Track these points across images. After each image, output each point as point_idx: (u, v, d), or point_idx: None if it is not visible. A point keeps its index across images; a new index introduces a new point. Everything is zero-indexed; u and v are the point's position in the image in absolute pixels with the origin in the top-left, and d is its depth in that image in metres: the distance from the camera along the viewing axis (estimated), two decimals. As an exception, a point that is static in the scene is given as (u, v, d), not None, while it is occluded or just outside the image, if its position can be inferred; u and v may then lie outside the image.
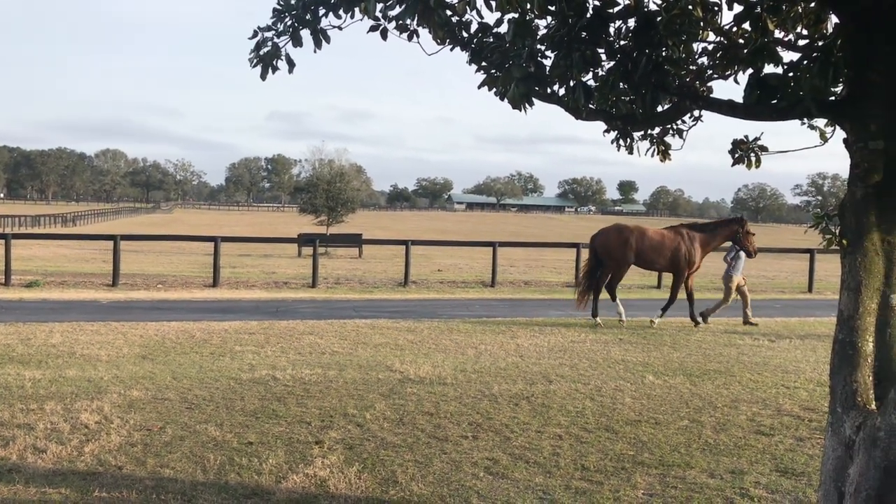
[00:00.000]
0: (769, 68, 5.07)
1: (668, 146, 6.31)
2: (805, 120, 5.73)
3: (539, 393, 8.14)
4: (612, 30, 5.21)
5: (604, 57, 5.22)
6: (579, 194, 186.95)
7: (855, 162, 4.33)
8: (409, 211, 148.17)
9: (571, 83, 5.22)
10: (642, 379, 8.97)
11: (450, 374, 8.92)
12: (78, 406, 7.12)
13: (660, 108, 5.31)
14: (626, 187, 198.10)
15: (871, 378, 4.29)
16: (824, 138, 5.86)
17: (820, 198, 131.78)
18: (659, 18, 5.22)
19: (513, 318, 14.28)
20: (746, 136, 5.99)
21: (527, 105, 5.04)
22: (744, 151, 6.00)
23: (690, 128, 6.20)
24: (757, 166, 5.97)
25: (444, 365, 9.50)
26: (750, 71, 5.12)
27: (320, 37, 5.70)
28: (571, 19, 5.06)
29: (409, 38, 5.85)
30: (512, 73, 4.90)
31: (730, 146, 6.02)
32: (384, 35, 5.92)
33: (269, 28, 5.74)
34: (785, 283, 25.29)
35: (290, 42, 5.68)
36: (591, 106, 5.34)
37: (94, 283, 18.76)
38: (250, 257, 30.19)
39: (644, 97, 5.12)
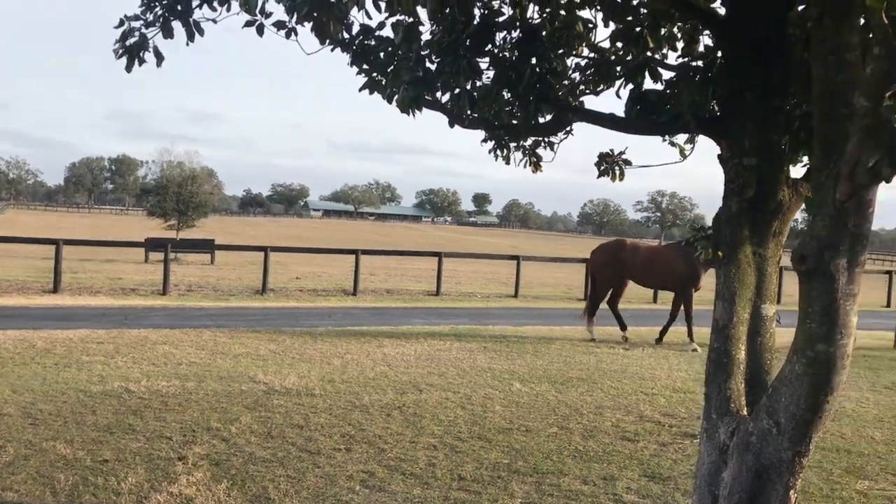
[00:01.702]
0: (648, 84, 5.25)
1: (539, 158, 6.39)
2: (667, 137, 5.97)
3: (410, 402, 8.04)
4: (497, 39, 5.22)
5: (487, 66, 5.22)
6: (436, 205, 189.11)
7: (730, 177, 4.50)
8: (264, 217, 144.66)
9: (456, 90, 5.19)
10: (510, 386, 9.06)
11: (317, 385, 8.67)
12: None
13: (542, 120, 5.36)
14: (481, 199, 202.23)
15: (743, 385, 4.47)
16: (683, 155, 6.11)
17: (659, 214, 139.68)
18: (544, 32, 5.29)
19: (377, 327, 14.13)
20: (612, 150, 6.15)
21: (416, 110, 4.95)
22: (609, 164, 6.16)
23: (562, 141, 6.30)
24: (621, 179, 6.15)
25: (310, 375, 9.23)
26: (630, 86, 5.28)
27: (193, 29, 5.39)
28: (458, 26, 5.03)
29: (287, 36, 5.62)
30: (401, 76, 4.79)
31: (595, 159, 6.19)
32: (260, 31, 5.67)
33: (136, 17, 5.37)
34: (631, 294, 26.46)
35: (161, 33, 5.34)
36: (474, 114, 5.32)
37: (-87, 288, 17.02)
38: (92, 262, 28.38)
39: (528, 108, 5.16)
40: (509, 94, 5.24)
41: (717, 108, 4.74)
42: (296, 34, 5.61)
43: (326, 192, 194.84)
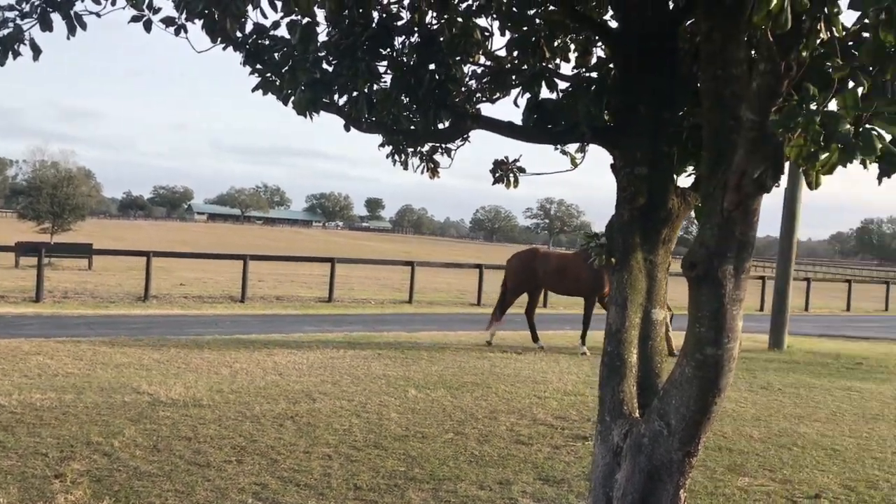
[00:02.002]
0: (545, 93, 5.32)
1: (437, 164, 6.39)
2: (559, 146, 6.09)
3: (304, 412, 7.87)
4: (396, 43, 5.18)
5: (385, 70, 5.18)
6: (327, 209, 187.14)
7: (623, 186, 4.62)
8: (145, 220, 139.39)
9: (354, 94, 5.13)
10: (405, 393, 9.02)
11: (205, 395, 8.37)
12: None
13: (441, 126, 5.34)
14: (374, 204, 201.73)
15: (635, 388, 4.58)
16: (575, 164, 6.24)
17: (548, 220, 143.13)
18: (442, 38, 5.28)
19: (267, 335, 13.80)
20: (507, 157, 6.22)
21: (313, 112, 4.85)
22: (504, 172, 6.23)
23: (459, 147, 6.32)
24: (515, 186, 6.22)
25: (197, 385, 8.90)
26: (528, 95, 5.34)
27: (75, 22, 5.12)
28: (357, 28, 4.97)
29: (177, 34, 5.43)
30: (298, 78, 4.68)
31: (490, 166, 6.25)
32: (147, 27, 5.45)
33: (11, 7, 5.05)
34: (523, 299, 26.90)
35: (39, 25, 5.04)
36: (372, 119, 5.27)
37: None
38: (-43, 267, 26.58)
39: (427, 114, 5.14)
40: (408, 100, 5.20)
41: (610, 119, 4.85)
42: (185, 31, 5.42)
43: (211, 196, 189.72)
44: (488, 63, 5.85)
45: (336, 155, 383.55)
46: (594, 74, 5.07)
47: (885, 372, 12.67)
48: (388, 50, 5.11)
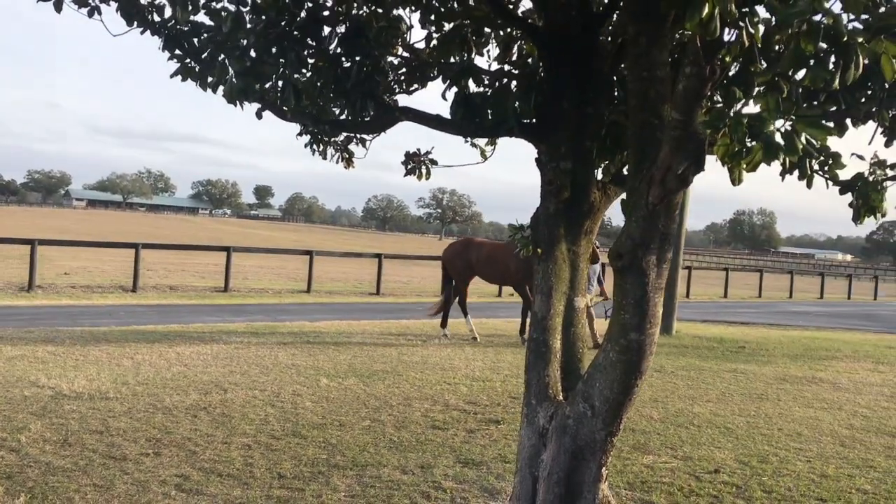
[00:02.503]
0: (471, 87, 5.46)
1: (351, 154, 6.44)
2: (469, 139, 6.27)
3: (216, 402, 7.77)
4: (324, 34, 5.20)
5: (312, 60, 5.20)
6: (214, 196, 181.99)
7: (549, 179, 4.82)
8: (19, 206, 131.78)
9: (280, 83, 5.13)
10: (317, 382, 9.03)
11: (111, 388, 8.13)
12: None
13: (366, 116, 5.39)
14: (263, 192, 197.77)
15: (559, 372, 4.81)
16: (484, 156, 6.44)
17: (440, 210, 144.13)
18: (369, 30, 5.33)
19: (166, 326, 13.43)
20: (419, 149, 6.35)
21: (243, 101, 4.82)
22: (416, 163, 6.36)
23: (373, 138, 6.39)
24: (427, 178, 6.35)
25: (100, 378, 8.63)
26: (454, 89, 5.46)
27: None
28: (285, 17, 4.97)
29: (90, 15, 5.30)
30: (230, 66, 4.64)
31: (402, 158, 6.36)
32: (58, 7, 5.29)
33: None
34: (420, 287, 27.17)
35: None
36: (297, 108, 5.27)
37: None
38: None
39: (354, 105, 5.19)
40: (334, 90, 5.22)
41: (536, 115, 5.02)
42: (99, 13, 5.29)
43: (91, 181, 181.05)
44: (405, 55, 5.94)
45: (219, 140, 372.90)
46: (521, 70, 5.22)
47: (765, 354, 13.55)
48: (316, 40, 5.13)
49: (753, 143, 3.32)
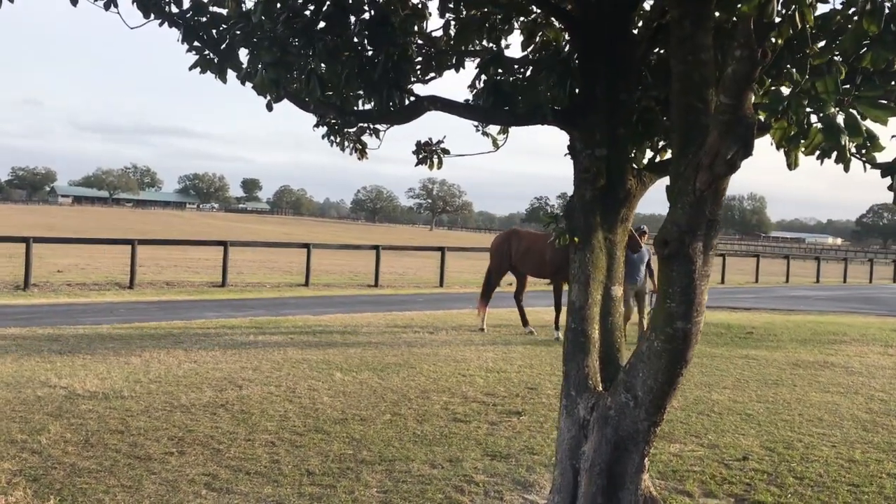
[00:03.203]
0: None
1: (365, 145, 6.35)
2: (479, 127, 6.19)
3: (233, 399, 7.68)
4: (350, 23, 5.09)
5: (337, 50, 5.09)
6: (201, 190, 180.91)
7: (585, 167, 4.74)
8: (3, 204, 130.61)
9: (303, 74, 5.02)
10: (331, 377, 8.94)
11: (124, 386, 8.02)
12: None
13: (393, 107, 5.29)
14: (251, 185, 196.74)
15: (598, 363, 4.74)
16: (496, 145, 6.36)
17: (430, 200, 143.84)
18: (394, 18, 5.23)
19: (170, 322, 13.30)
20: (430, 139, 6.27)
21: (275, 93, 4.72)
22: (427, 153, 6.28)
23: (387, 129, 6.30)
24: (439, 167, 6.27)
25: (111, 376, 8.52)
26: (484, 77, 5.37)
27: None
28: (313, 6, 4.87)
29: (107, 7, 5.18)
30: (262, 57, 4.54)
31: (413, 147, 6.28)
32: (74, 1, 5.20)
33: None
34: (416, 278, 27.09)
35: None
36: (322, 99, 5.17)
37: None
38: None
39: (381, 94, 5.09)
40: (361, 80, 5.12)
41: (569, 102, 4.94)
42: (116, 6, 5.17)
43: (77, 177, 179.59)
44: (420, 43, 5.84)
45: (202, 133, 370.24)
46: (557, 57, 5.12)
47: (774, 340, 13.56)
48: (342, 29, 5.03)
49: (812, 126, 3.26)
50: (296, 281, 23.65)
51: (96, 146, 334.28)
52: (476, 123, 6.07)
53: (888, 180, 4.09)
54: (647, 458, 4.52)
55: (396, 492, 5.33)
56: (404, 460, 6.01)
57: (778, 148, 3.46)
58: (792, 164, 3.51)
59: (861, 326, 16.18)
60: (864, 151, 4.01)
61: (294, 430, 6.71)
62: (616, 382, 4.51)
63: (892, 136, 4.22)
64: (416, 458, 6.06)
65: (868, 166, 4.10)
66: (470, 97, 5.99)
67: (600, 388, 4.66)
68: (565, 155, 6.38)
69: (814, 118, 3.14)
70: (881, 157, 3.95)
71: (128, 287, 19.56)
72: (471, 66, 5.77)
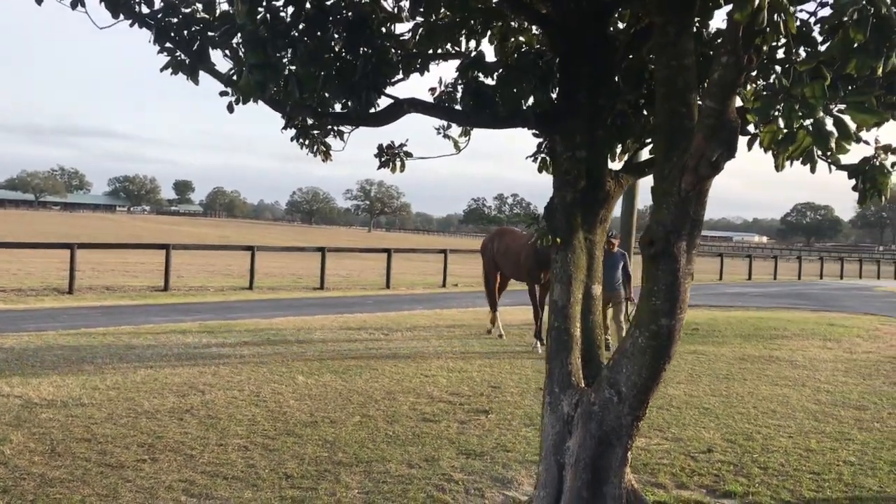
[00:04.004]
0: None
1: (329, 147, 6.37)
2: (441, 129, 6.27)
3: (198, 404, 7.56)
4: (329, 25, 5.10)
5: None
6: (132, 193, 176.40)
7: (565, 169, 4.84)
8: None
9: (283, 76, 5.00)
10: (294, 380, 8.88)
11: (83, 394, 7.81)
12: None
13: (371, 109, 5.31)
14: (183, 187, 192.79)
15: (580, 360, 4.85)
16: (458, 148, 6.44)
17: (368, 202, 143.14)
18: (373, 16, 5.25)
19: (117, 327, 12.97)
20: (393, 142, 6.32)
21: (259, 97, 4.69)
22: (390, 156, 6.33)
23: (351, 131, 6.32)
24: (402, 170, 6.33)
25: (67, 384, 8.29)
26: (461, 81, 5.43)
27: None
28: (294, 7, 4.86)
29: (74, 7, 5.09)
30: (247, 59, 4.50)
31: (375, 150, 6.32)
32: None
33: None
34: (361, 280, 26.99)
35: None
36: (300, 101, 5.16)
37: None
38: None
39: (360, 97, 5.12)
40: (339, 83, 5.13)
41: (549, 105, 5.03)
42: (83, 5, 5.08)
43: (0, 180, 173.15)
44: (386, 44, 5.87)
45: (129, 134, 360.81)
46: (537, 60, 5.20)
47: (719, 335, 13.97)
48: (322, 31, 5.03)
49: (799, 129, 3.41)
50: (239, 284, 23.29)
51: (19, 148, 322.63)
52: (438, 126, 6.15)
53: (810, 181, 4.30)
54: (629, 452, 4.64)
55: (378, 492, 5.35)
56: (381, 461, 6.03)
57: (766, 151, 3.61)
58: (779, 167, 3.67)
59: (800, 321, 16.80)
60: (828, 154, 4.21)
61: (265, 433, 6.66)
62: (600, 379, 4.63)
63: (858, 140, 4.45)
64: (392, 459, 6.08)
65: (833, 168, 4.30)
66: (431, 100, 6.08)
67: (583, 385, 4.77)
68: (527, 158, 6.50)
69: (805, 122, 3.28)
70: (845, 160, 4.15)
71: (67, 292, 18.99)
72: (434, 70, 5.83)
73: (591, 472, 4.59)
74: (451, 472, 5.81)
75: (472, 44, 5.75)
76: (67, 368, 9.18)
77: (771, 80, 4.39)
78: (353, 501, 5.18)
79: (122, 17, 5.10)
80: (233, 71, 4.70)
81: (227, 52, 4.94)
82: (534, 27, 5.49)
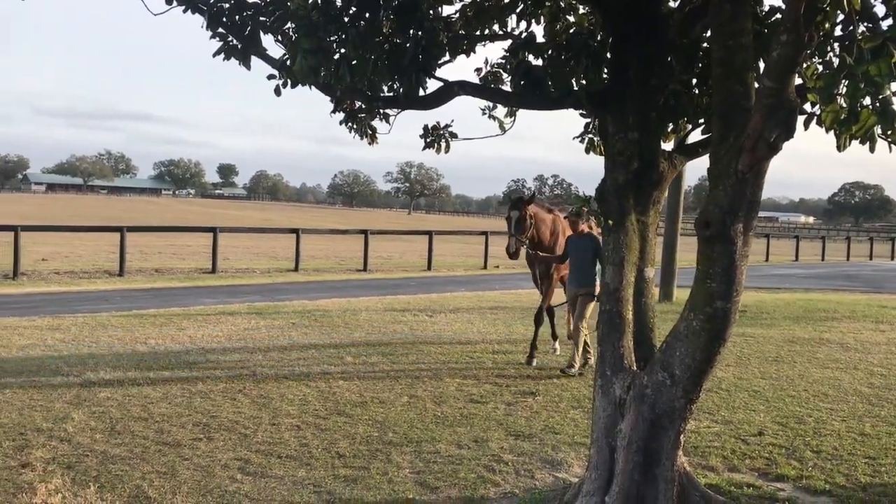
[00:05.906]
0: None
1: (374, 129, 6.40)
2: (486, 110, 6.24)
3: (250, 385, 7.70)
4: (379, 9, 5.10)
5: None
6: (177, 177, 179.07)
7: (618, 150, 4.80)
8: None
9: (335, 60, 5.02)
10: (342, 360, 8.99)
11: (137, 374, 8.01)
12: None
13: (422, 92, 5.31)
14: (227, 171, 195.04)
15: (632, 343, 4.83)
16: (503, 128, 6.40)
17: (408, 184, 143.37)
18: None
19: (167, 309, 13.24)
20: (438, 123, 6.32)
21: (313, 82, 4.74)
22: (435, 137, 6.33)
23: (397, 115, 6.32)
24: (447, 151, 6.33)
25: (122, 364, 8.50)
26: (513, 62, 5.40)
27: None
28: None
29: (129, -8, 5.13)
30: (300, 43, 4.54)
31: (420, 131, 6.32)
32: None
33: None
34: (403, 262, 27.11)
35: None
36: (351, 84, 5.18)
37: None
38: None
39: (411, 80, 5.11)
40: (390, 66, 5.13)
41: (603, 86, 4.99)
42: (138, -9, 5.14)
43: (50, 165, 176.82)
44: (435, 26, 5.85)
45: (170, 118, 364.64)
46: (589, 42, 5.16)
47: (767, 318, 13.77)
48: (372, 15, 5.04)
49: (863, 108, 3.35)
50: (284, 266, 23.56)
51: (61, 132, 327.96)
52: (484, 107, 6.13)
53: (858, 160, 4.19)
54: (682, 436, 4.63)
55: (429, 472, 5.41)
56: (430, 441, 6.09)
57: (828, 131, 3.54)
58: (841, 147, 3.60)
59: (850, 304, 16.48)
60: (888, 133, 4.11)
61: (316, 413, 6.77)
62: (652, 361, 4.61)
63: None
64: (441, 440, 6.14)
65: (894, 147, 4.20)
66: (477, 80, 6.06)
67: (635, 368, 4.76)
68: (574, 138, 6.45)
69: (867, 101, 3.21)
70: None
71: (118, 275, 19.40)
72: (480, 51, 5.81)
73: (644, 455, 4.58)
74: (500, 454, 5.84)
75: (522, 25, 5.74)
76: (121, 349, 9.40)
77: (828, 58, 4.30)
78: (405, 481, 5.24)
79: (175, 3, 5.19)
80: (286, 56, 4.73)
81: (278, 37, 4.98)
82: (584, 7, 5.44)
